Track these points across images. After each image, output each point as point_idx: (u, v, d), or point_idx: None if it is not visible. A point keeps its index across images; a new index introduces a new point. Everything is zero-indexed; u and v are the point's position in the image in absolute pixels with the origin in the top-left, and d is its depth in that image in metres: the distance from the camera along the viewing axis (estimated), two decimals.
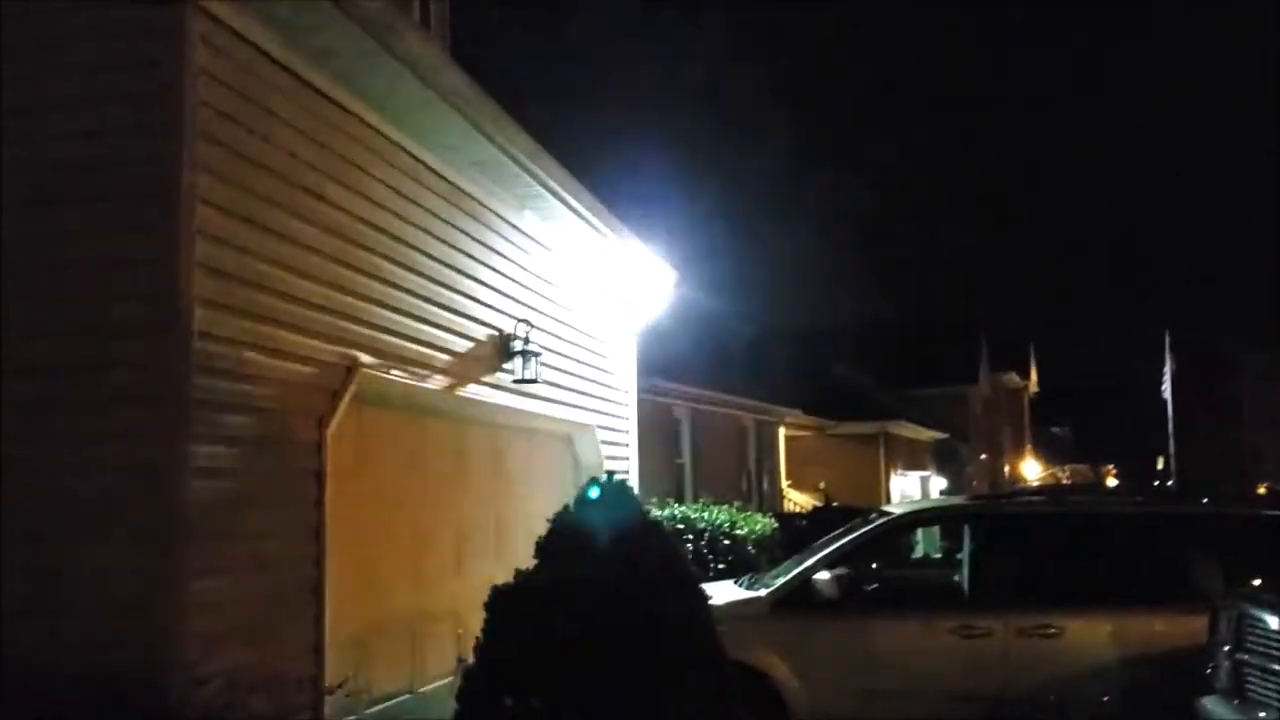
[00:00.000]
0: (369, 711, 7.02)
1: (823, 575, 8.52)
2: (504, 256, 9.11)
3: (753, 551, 11.52)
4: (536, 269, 9.90)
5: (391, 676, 7.31)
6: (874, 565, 9.62)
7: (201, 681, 5.09)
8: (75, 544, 5.22)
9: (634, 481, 12.33)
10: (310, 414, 6.21)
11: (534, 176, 8.68)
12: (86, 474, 5.25)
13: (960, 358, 42.70)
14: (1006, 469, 50.71)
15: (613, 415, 12.09)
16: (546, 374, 10.00)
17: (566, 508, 4.97)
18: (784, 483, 28.87)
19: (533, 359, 8.92)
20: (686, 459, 22.32)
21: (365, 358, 6.76)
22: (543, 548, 4.79)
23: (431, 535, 8.12)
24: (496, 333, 8.82)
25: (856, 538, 8.75)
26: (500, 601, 4.75)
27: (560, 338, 10.50)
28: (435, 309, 7.82)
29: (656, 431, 20.77)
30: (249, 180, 5.82)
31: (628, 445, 12.45)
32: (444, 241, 8.05)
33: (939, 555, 14.82)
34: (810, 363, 33.13)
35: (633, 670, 4.30)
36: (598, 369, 11.62)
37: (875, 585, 9.20)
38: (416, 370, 7.52)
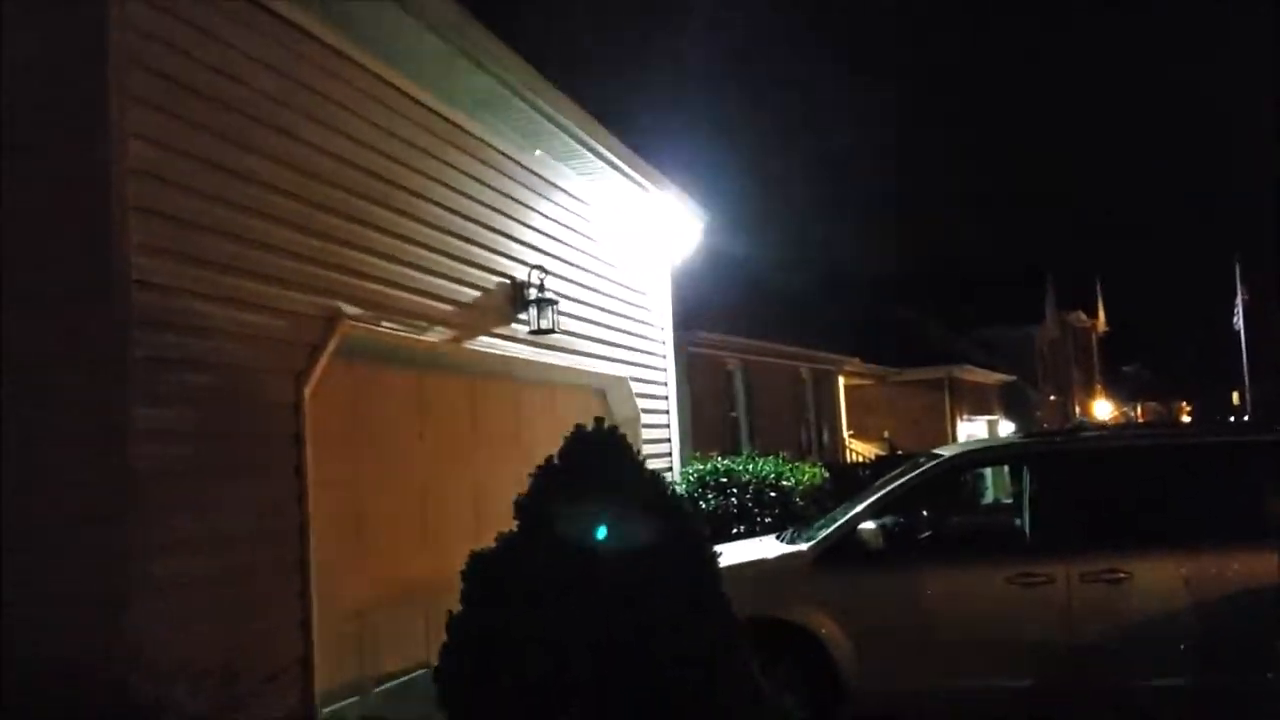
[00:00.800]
0: (378, 690, 6.49)
1: (869, 525, 7.84)
2: (515, 200, 8.45)
3: (800, 503, 10.83)
4: (555, 214, 9.23)
5: (402, 652, 6.75)
6: (926, 512, 8.88)
7: (161, 670, 4.55)
8: (27, 523, 4.68)
9: (675, 435, 11.69)
10: (286, 371, 5.62)
11: (540, 111, 7.99)
12: (33, 445, 4.70)
13: (1025, 297, 41.28)
14: (1077, 410, 49.22)
15: (650, 367, 11.42)
16: (573, 325, 9.36)
17: (550, 460, 4.30)
18: (845, 433, 28.02)
19: (549, 308, 8.27)
20: (741, 413, 21.61)
21: (350, 308, 6.15)
22: (523, 508, 4.14)
23: (445, 498, 7.52)
24: (509, 281, 8.18)
25: (905, 483, 8.01)
26: (478, 570, 4.13)
27: (587, 286, 9.83)
28: (435, 255, 7.19)
29: (709, 386, 20.09)
30: (200, 115, 5.20)
31: (667, 398, 11.77)
32: (444, 183, 7.40)
33: (1009, 500, 14.03)
34: (868, 308, 32.11)
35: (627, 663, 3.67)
36: (631, 319, 10.95)
37: (928, 533, 8.47)
38: (415, 322, 6.90)
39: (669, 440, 11.65)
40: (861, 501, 8.00)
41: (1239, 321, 40.35)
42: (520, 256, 8.39)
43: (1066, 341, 48.72)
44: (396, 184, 6.82)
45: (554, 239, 9.15)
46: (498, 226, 8.11)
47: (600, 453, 4.18)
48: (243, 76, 5.53)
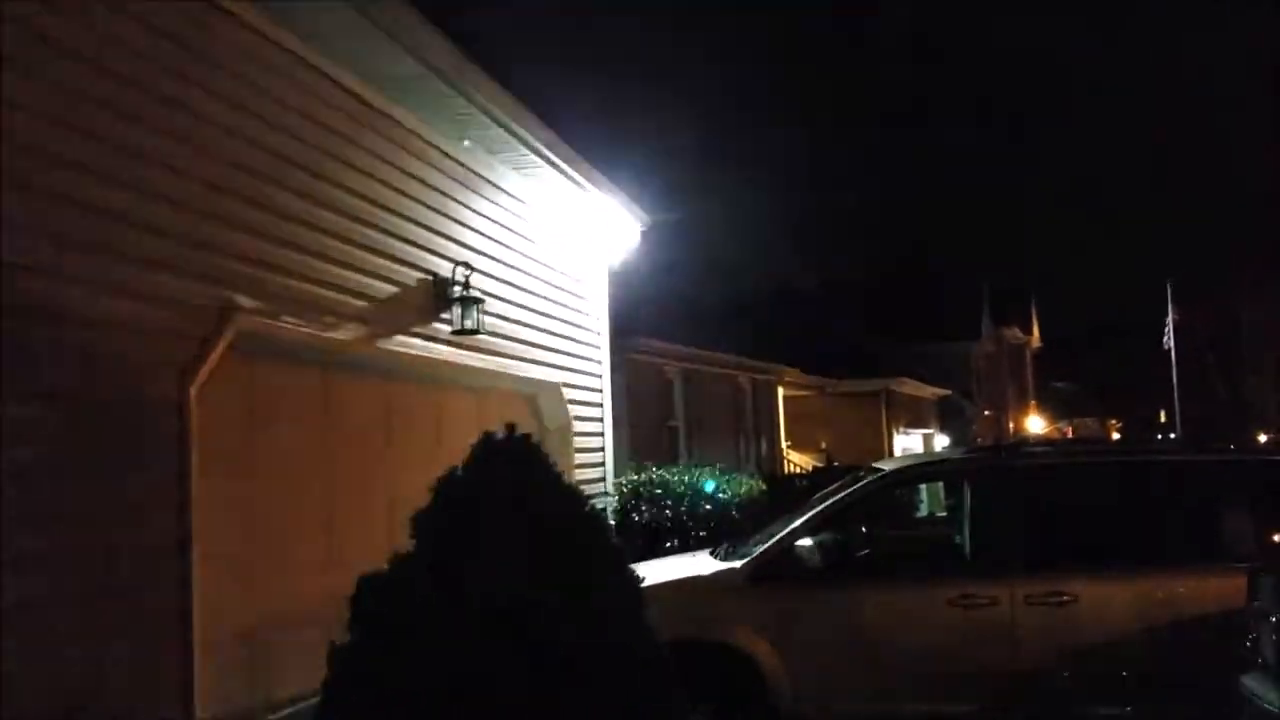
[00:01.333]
0: (273, 717, 5.89)
1: (805, 541, 7.40)
2: (441, 192, 7.90)
3: (737, 516, 10.37)
4: (486, 210, 8.69)
5: (300, 678, 6.14)
6: (864, 529, 8.46)
7: (12, 705, 3.94)
8: None
9: (609, 444, 11.18)
10: (168, 366, 5.02)
11: (469, 99, 7.45)
12: None
13: (961, 313, 41.37)
14: (1011, 425, 49.46)
15: (585, 373, 10.90)
16: (503, 326, 8.82)
17: (454, 472, 3.77)
18: (784, 443, 27.71)
19: (475, 307, 7.72)
20: (680, 421, 21.16)
21: (247, 300, 5.57)
22: (420, 526, 3.60)
23: (354, 509, 6.92)
24: (431, 277, 7.62)
25: (843, 498, 7.58)
26: (365, 596, 3.59)
27: (519, 287, 9.30)
28: (347, 246, 6.61)
29: (648, 394, 19.62)
30: (76, 81, 4.62)
31: (601, 405, 11.26)
32: (360, 170, 6.83)
33: (944, 513, 13.68)
34: (808, 320, 31.89)
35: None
36: (566, 322, 10.43)
37: (866, 551, 8.04)
38: (323, 317, 6.33)
39: (602, 450, 11.14)
40: (798, 517, 7.56)
41: (1169, 340, 40.71)
42: (445, 252, 7.84)
43: (1002, 357, 48.97)
44: (305, 168, 6.25)
45: (484, 235, 8.61)
46: (420, 219, 7.56)
47: (511, 464, 3.66)
48: (130, 42, 4.94)
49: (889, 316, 36.91)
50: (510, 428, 3.82)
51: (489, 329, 8.41)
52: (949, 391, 37.87)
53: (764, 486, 11.69)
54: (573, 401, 10.36)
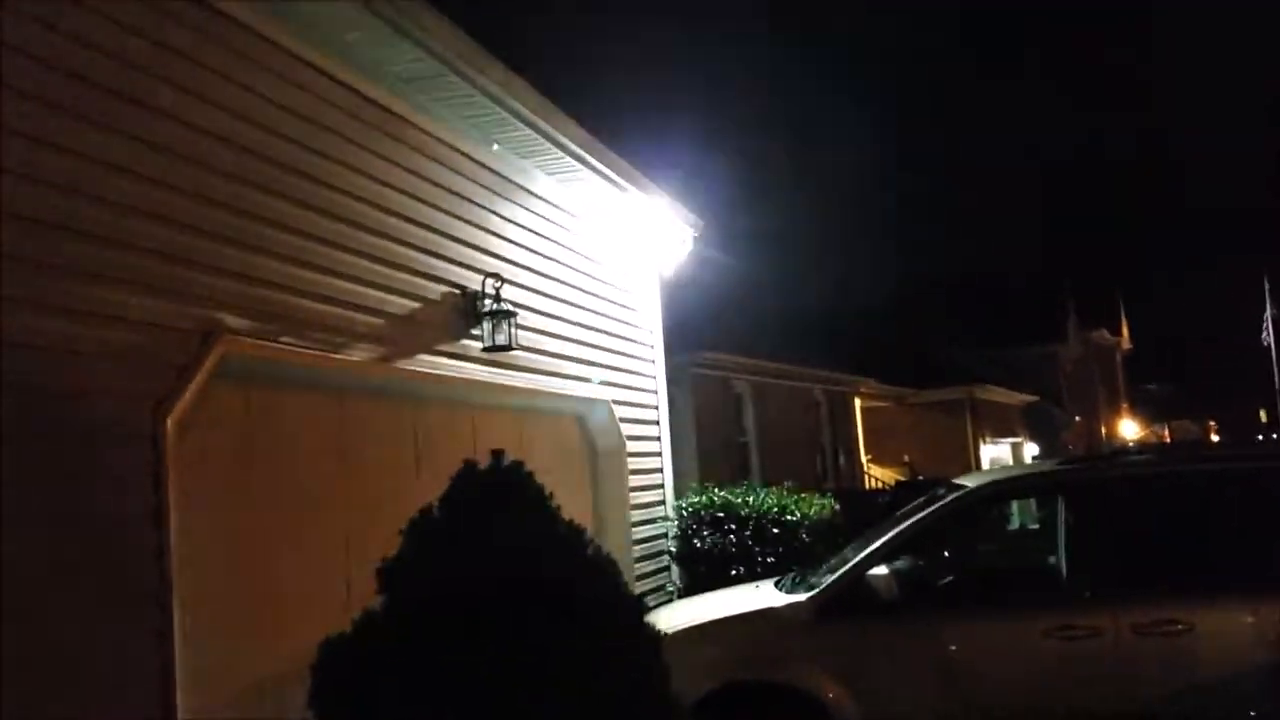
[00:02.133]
0: None
1: (880, 570, 6.67)
2: (467, 199, 7.34)
3: (806, 539, 9.62)
4: (519, 218, 8.10)
5: None
6: (946, 552, 7.69)
7: None
8: None
9: (667, 464, 10.51)
10: (141, 397, 4.47)
11: (491, 97, 6.88)
12: None
13: (1046, 315, 39.86)
14: (1103, 430, 47.67)
15: (638, 389, 10.26)
16: (544, 341, 8.22)
17: (429, 510, 3.15)
18: (864, 458, 26.75)
19: (506, 321, 7.12)
20: (751, 438, 20.39)
21: (236, 320, 5.02)
22: (390, 577, 2.98)
23: (374, 548, 6.32)
24: (458, 291, 7.05)
25: (921, 520, 6.83)
26: (326, 663, 2.98)
27: (561, 299, 8.70)
28: (357, 259, 6.05)
29: (716, 409, 18.92)
30: (36, 84, 4.12)
31: (658, 423, 10.60)
32: (371, 176, 6.28)
33: (1037, 525, 12.74)
34: (883, 327, 30.85)
35: None
36: (615, 335, 9.80)
37: (949, 578, 7.27)
38: (331, 337, 5.77)
39: (660, 470, 10.48)
40: (872, 541, 6.81)
41: (1268, 337, 38.86)
42: (474, 264, 7.26)
43: (1090, 360, 47.26)
44: (306, 174, 5.71)
45: (519, 245, 8.02)
46: (445, 229, 6.99)
47: (497, 499, 3.04)
48: (99, 41, 4.44)
49: (968, 321, 35.69)
50: (497, 455, 3.18)
51: (527, 344, 7.81)
52: (1036, 398, 36.47)
53: (837, 505, 10.90)
54: (626, 420, 9.72)
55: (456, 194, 7.19)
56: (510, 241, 7.89)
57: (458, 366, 6.99)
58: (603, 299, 9.59)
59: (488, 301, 7.12)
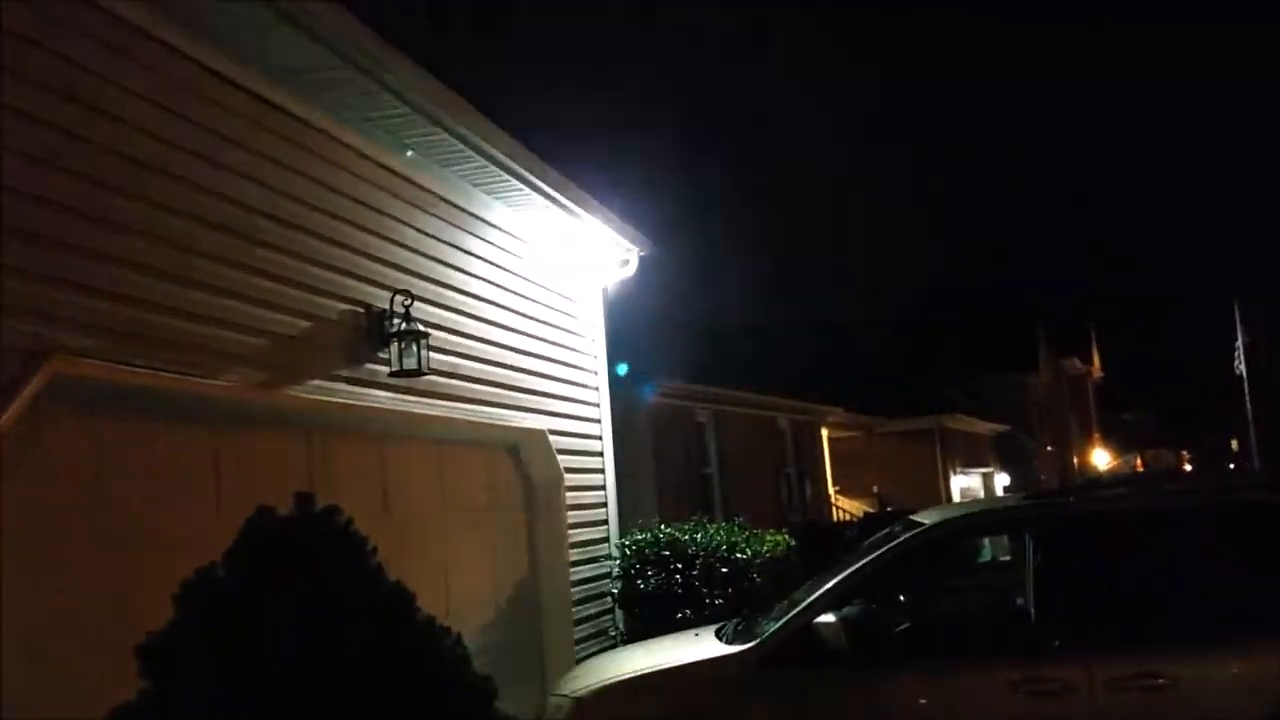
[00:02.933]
0: None
1: (828, 617, 6.02)
2: (375, 209, 6.67)
3: (758, 580, 8.96)
4: (440, 231, 7.45)
5: None
6: (903, 596, 7.05)
7: None
8: None
9: (611, 498, 9.84)
10: None
11: (400, 97, 6.24)
12: None
13: (1016, 343, 39.54)
14: (1075, 460, 47.32)
15: (580, 418, 9.60)
16: (466, 367, 7.57)
17: (211, 570, 2.48)
18: (831, 489, 26.15)
19: (417, 343, 6.45)
20: (714, 469, 19.74)
21: (74, 339, 4.34)
22: (152, 655, 2.31)
23: None
24: (361, 309, 6.38)
25: (874, 561, 6.21)
26: None
27: (489, 320, 8.06)
28: (239, 273, 5.38)
29: (677, 440, 18.27)
30: None
31: (601, 454, 9.93)
32: (252, 179, 5.61)
33: (1008, 558, 12.02)
34: (852, 355, 30.34)
35: None
36: (552, 360, 9.15)
37: (905, 625, 6.62)
38: (201, 360, 5.08)
39: (604, 505, 9.80)
40: (820, 585, 6.18)
41: (1240, 365, 38.67)
42: (382, 279, 6.59)
43: (1061, 389, 47.01)
44: (177, 177, 5.04)
45: (439, 261, 7.36)
46: (345, 240, 6.32)
47: (298, 556, 2.38)
48: None
49: (937, 348, 35.26)
50: (301, 499, 2.52)
51: (446, 369, 7.15)
52: (1007, 427, 36.01)
53: (793, 542, 10.24)
54: (565, 451, 9.04)
55: (361, 202, 6.53)
56: (428, 257, 7.24)
57: (361, 394, 6.31)
58: (538, 321, 8.94)
59: (396, 321, 6.45)
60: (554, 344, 9.23)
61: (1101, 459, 51.23)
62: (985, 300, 40.22)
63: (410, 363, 6.39)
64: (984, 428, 34.32)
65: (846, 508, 26.68)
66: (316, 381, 5.94)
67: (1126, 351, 57.54)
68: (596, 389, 9.98)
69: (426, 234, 7.24)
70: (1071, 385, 49.62)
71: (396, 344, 6.38)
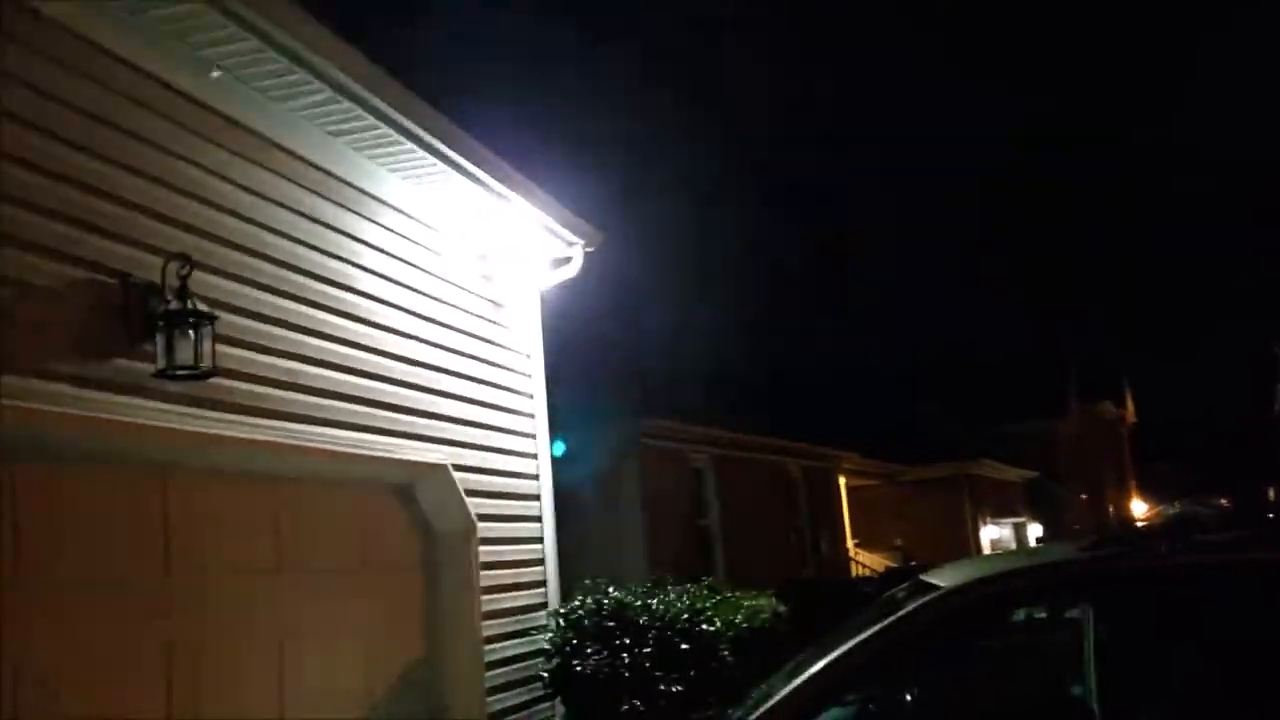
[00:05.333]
0: None
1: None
2: (146, 141, 4.70)
3: (729, 659, 6.80)
4: (272, 189, 5.50)
5: None
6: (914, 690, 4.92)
7: None
8: None
9: (549, 553, 7.76)
10: None
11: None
12: None
13: (1046, 388, 37.20)
14: (1110, 509, 44.64)
15: (506, 451, 7.54)
16: (332, 380, 5.57)
17: None
18: (850, 542, 23.86)
19: (196, 331, 4.43)
20: (714, 520, 17.57)
21: None
22: None
23: None
24: (115, 280, 4.38)
25: (871, 642, 4.11)
26: None
27: (370, 321, 6.09)
28: None
29: (670, 487, 16.15)
30: None
31: (537, 497, 7.84)
32: None
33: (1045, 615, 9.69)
34: (871, 397, 28.14)
35: None
36: (465, 377, 7.13)
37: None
38: None
39: (540, 562, 7.69)
40: (801, 674, 4.09)
41: None
42: (150, 239, 4.59)
43: (1095, 435, 44.50)
44: None
45: (274, 231, 5.39)
46: (91, 179, 4.35)
47: None
48: None
49: (962, 392, 33.00)
50: None
51: (302, 381, 5.17)
52: (1037, 474, 33.58)
53: (782, 608, 8.06)
54: (481, 493, 6.99)
55: (116, 126, 4.54)
56: (255, 223, 5.26)
57: (111, 403, 4.28)
58: (449, 328, 6.93)
59: (167, 299, 4.43)
60: (470, 357, 7.21)
61: (1139, 509, 48.49)
62: (1012, 342, 37.96)
63: (184, 356, 4.36)
64: (1014, 475, 31.94)
65: (867, 562, 24.42)
66: (32, 383, 3.92)
67: (1161, 397, 54.93)
68: (532, 415, 7.92)
69: (248, 190, 5.24)
70: (1105, 432, 47.11)
71: (166, 333, 4.36)
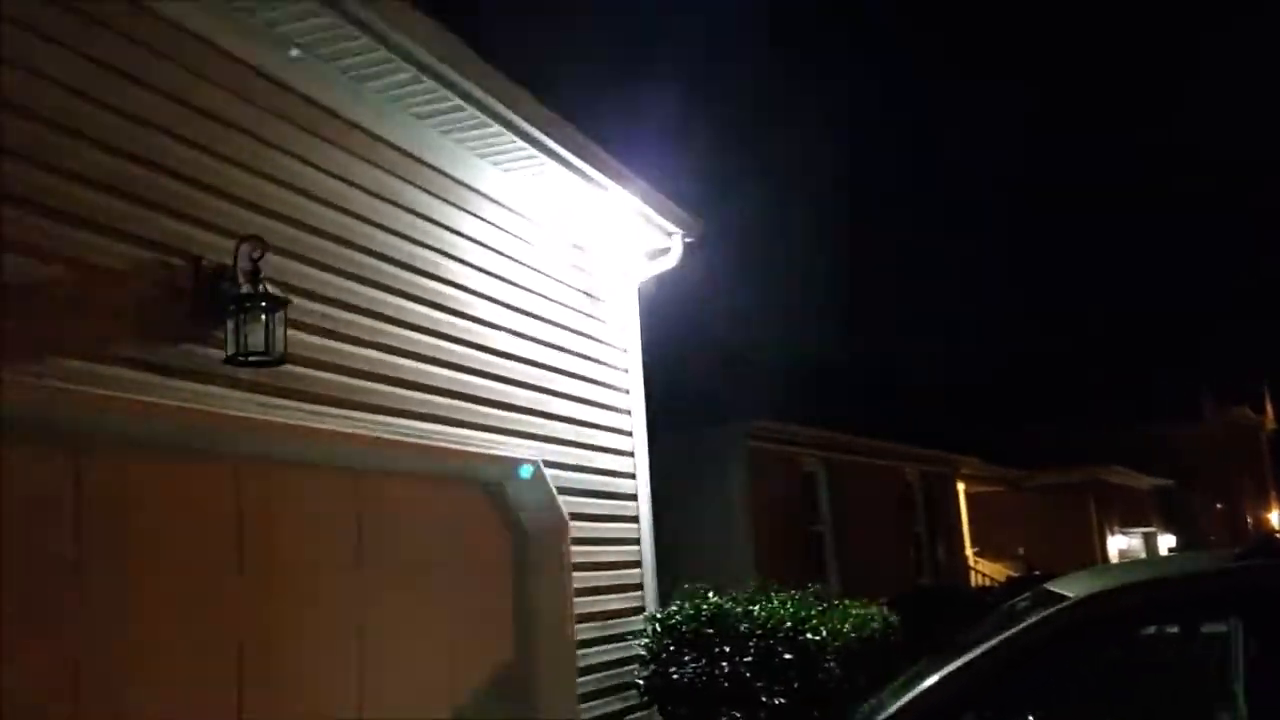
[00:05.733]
0: None
1: None
2: (214, 117, 4.54)
3: (835, 670, 6.39)
4: (361, 177, 5.32)
5: None
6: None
7: None
8: None
9: (648, 551, 7.46)
10: None
11: None
12: None
13: (1178, 391, 35.53)
14: (1249, 519, 42.46)
15: (601, 448, 7.26)
16: (420, 372, 5.37)
17: None
18: (969, 550, 23.03)
19: (269, 315, 4.24)
20: (827, 525, 17.07)
21: None
22: None
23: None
24: (185, 263, 4.22)
25: (991, 654, 3.70)
26: None
27: (462, 313, 5.89)
28: None
29: (780, 491, 15.72)
30: None
31: (634, 496, 7.54)
32: None
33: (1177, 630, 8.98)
34: (993, 399, 27.17)
35: None
36: (559, 371, 6.88)
37: None
38: None
39: (637, 564, 7.40)
40: (909, 691, 3.72)
41: None
42: (219, 220, 4.42)
43: (1231, 442, 42.36)
44: None
45: (367, 222, 5.22)
46: (157, 158, 4.20)
47: None
48: None
49: (1090, 396, 31.68)
50: None
51: (390, 373, 4.99)
52: (1170, 481, 32.04)
53: (892, 619, 7.61)
54: (575, 491, 6.72)
55: (189, 104, 4.39)
56: (343, 211, 5.08)
57: (186, 390, 4.12)
58: (544, 320, 6.70)
59: (238, 281, 4.26)
60: (564, 350, 6.95)
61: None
62: (1143, 341, 36.36)
63: (255, 341, 4.18)
64: (1144, 482, 30.53)
65: (987, 571, 23.57)
66: (95, 367, 3.78)
67: None
68: (628, 412, 7.63)
69: (313, 164, 5.05)
70: (1242, 437, 44.84)
71: (235, 316, 4.18)
